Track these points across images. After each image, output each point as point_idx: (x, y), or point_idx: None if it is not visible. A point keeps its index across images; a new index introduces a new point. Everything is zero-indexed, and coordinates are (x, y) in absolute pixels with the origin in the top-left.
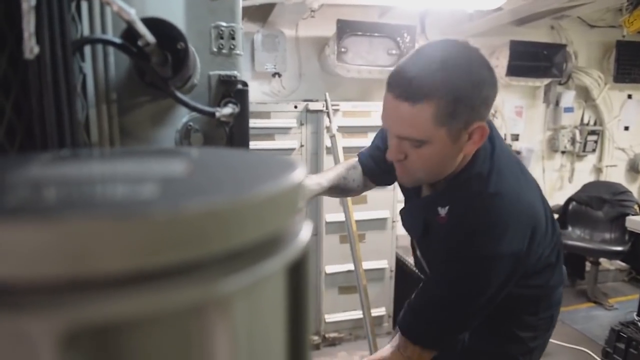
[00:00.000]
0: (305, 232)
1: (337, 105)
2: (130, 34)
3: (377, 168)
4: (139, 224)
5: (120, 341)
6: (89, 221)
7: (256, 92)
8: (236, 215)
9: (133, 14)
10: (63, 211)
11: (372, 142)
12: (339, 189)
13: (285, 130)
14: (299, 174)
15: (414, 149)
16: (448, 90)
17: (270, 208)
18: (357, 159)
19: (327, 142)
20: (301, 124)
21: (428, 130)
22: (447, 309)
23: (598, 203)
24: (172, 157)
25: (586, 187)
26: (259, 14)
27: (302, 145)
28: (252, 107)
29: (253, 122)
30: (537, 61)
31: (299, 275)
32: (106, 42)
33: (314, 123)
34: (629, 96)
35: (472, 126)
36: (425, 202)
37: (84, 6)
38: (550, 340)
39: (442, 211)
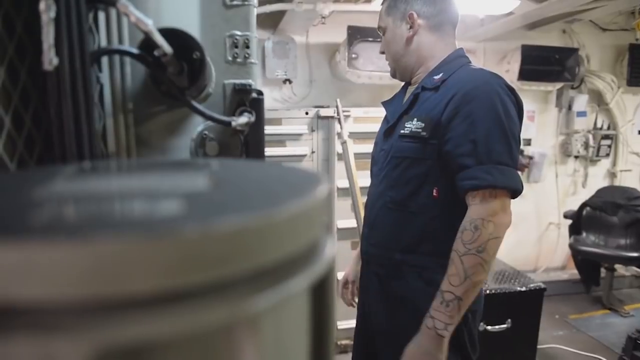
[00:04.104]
0: (330, 248)
1: (348, 111)
2: (147, 44)
3: None
4: (169, 244)
5: None
6: (120, 242)
7: (267, 99)
8: (267, 232)
9: (151, 24)
10: (93, 231)
11: None
12: None
13: (296, 137)
14: (324, 188)
15: (384, 40)
16: None
17: (299, 224)
18: None
19: (339, 148)
20: (312, 130)
21: (384, 20)
22: (503, 136)
23: (612, 208)
24: (194, 170)
25: (600, 192)
26: (270, 21)
27: (313, 152)
28: None
29: (264, 129)
30: (549, 65)
31: (323, 291)
32: (124, 53)
33: (325, 129)
34: None
35: (407, 14)
36: (413, 89)
37: (102, 17)
38: (565, 347)
39: (437, 76)
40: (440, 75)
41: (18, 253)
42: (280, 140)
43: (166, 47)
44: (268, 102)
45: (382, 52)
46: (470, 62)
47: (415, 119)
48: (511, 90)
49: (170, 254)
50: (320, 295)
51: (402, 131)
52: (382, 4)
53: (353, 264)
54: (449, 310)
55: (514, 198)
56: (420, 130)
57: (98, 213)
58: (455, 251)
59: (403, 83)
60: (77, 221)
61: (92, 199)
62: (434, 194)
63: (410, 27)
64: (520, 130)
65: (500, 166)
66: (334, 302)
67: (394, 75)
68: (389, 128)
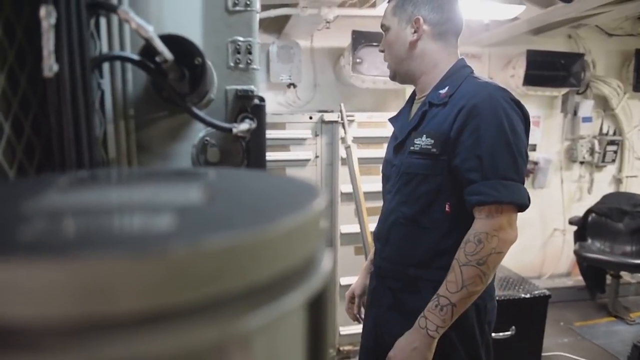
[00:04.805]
0: (327, 261)
1: (352, 115)
2: (148, 50)
3: None
4: (156, 263)
5: None
6: (106, 260)
7: (271, 103)
8: (260, 249)
9: (151, 31)
10: (79, 248)
11: None
12: None
13: (300, 141)
14: (321, 201)
15: (385, 39)
16: None
17: (295, 239)
18: None
19: (342, 153)
20: (316, 135)
21: (389, 19)
22: (509, 151)
23: (618, 215)
24: (189, 181)
25: (606, 198)
26: (275, 26)
27: (317, 156)
28: (267, 118)
29: (268, 133)
30: (554, 70)
31: (320, 305)
32: (124, 59)
33: (329, 134)
34: None
35: (413, 18)
36: (420, 102)
37: (103, 23)
38: (570, 355)
39: (442, 90)
40: (446, 89)
41: (2, 272)
42: (284, 144)
43: (167, 54)
44: (272, 106)
45: (382, 51)
46: (472, 71)
47: (425, 136)
48: (517, 103)
49: (157, 272)
50: (317, 309)
51: (412, 147)
52: (389, 1)
53: (361, 277)
54: (443, 314)
55: (521, 212)
56: (430, 146)
57: (86, 229)
58: (457, 260)
59: (404, 91)
60: (63, 238)
61: (81, 214)
62: (447, 209)
63: (415, 32)
64: (527, 144)
65: (506, 181)
66: (332, 314)
67: (393, 78)
68: (399, 144)
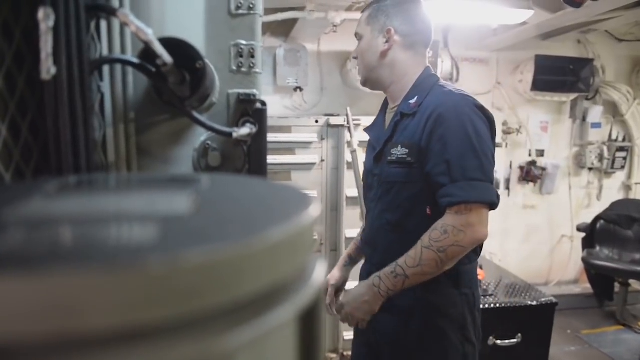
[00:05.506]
0: (318, 275)
1: (359, 120)
2: (147, 53)
3: None
4: (131, 277)
5: None
6: (77, 275)
7: (278, 106)
8: (241, 264)
9: (150, 34)
10: (51, 262)
11: None
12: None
13: (306, 145)
14: (312, 211)
15: (359, 47)
16: (378, 3)
17: (280, 253)
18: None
19: (348, 157)
20: (322, 139)
21: (363, 28)
22: (474, 154)
23: (627, 222)
24: (180, 189)
25: (615, 205)
26: (282, 29)
27: (322, 160)
28: (273, 122)
29: (274, 137)
30: (563, 76)
31: (312, 317)
32: (124, 62)
33: (335, 138)
34: None
35: (385, 28)
36: (393, 113)
37: (104, 26)
38: None
39: (412, 101)
40: (415, 99)
41: None
42: (290, 148)
43: (166, 57)
44: (278, 110)
45: (355, 58)
46: (439, 80)
47: (400, 146)
48: (481, 109)
49: (132, 288)
50: (310, 322)
51: (389, 157)
52: (363, 11)
53: (336, 269)
54: (395, 282)
55: (492, 210)
56: (405, 156)
57: (62, 241)
58: (421, 240)
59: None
60: (37, 250)
61: (60, 224)
62: (428, 212)
63: (386, 42)
64: (494, 146)
65: (474, 182)
66: (335, 320)
67: (364, 84)
68: (378, 154)
